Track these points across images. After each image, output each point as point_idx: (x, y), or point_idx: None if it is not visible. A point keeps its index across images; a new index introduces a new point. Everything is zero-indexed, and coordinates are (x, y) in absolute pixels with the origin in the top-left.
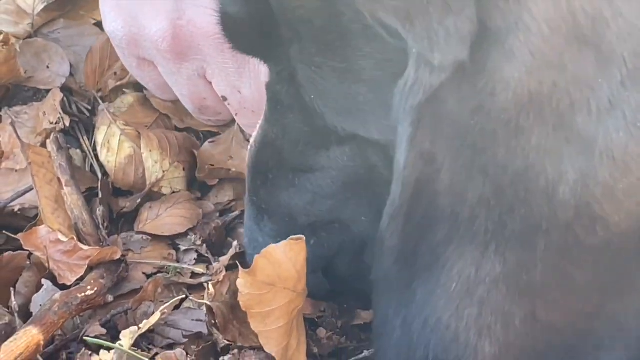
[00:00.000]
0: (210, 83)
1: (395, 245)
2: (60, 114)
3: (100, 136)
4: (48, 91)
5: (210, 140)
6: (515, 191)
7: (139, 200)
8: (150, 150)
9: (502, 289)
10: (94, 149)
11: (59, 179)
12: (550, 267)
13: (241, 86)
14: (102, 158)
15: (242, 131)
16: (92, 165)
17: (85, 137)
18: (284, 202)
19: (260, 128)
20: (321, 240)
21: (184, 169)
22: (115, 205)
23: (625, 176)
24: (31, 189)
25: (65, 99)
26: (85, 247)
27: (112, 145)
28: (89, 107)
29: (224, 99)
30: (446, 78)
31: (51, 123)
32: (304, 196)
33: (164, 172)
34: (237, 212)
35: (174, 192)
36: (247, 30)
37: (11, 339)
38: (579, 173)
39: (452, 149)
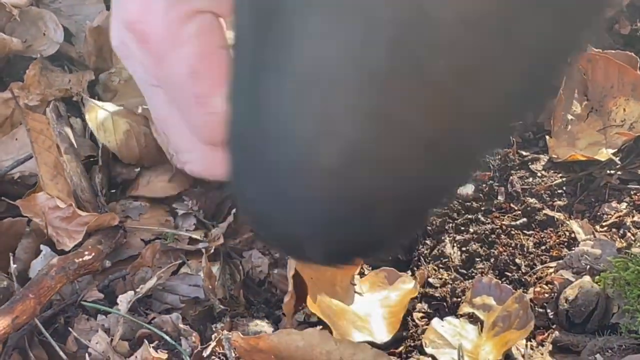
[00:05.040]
0: None
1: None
2: None
3: (92, 122)
4: (45, 58)
5: None
6: None
7: (138, 169)
8: None
9: (347, 72)
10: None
11: (57, 146)
12: (393, 44)
13: None
14: (101, 140)
15: None
16: (92, 134)
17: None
18: None
19: None
20: None
21: None
22: (114, 172)
23: None
24: (31, 157)
25: (66, 67)
26: (84, 214)
27: (107, 126)
28: (92, 78)
29: None
30: None
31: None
32: None
33: None
34: None
35: None
36: None
37: (7, 302)
38: None
39: None
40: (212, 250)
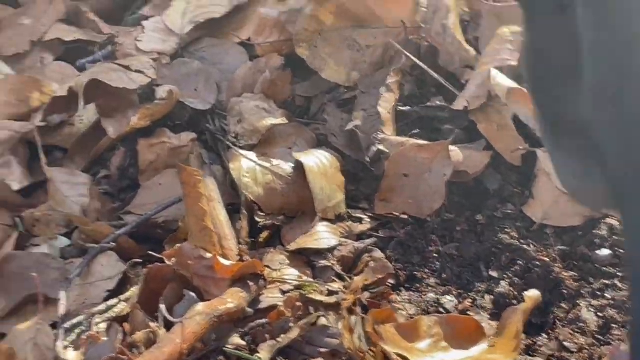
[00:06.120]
0: None
1: None
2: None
3: (235, 172)
4: (195, 111)
5: None
6: None
7: (279, 220)
8: (315, 179)
9: None
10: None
11: (207, 198)
12: None
13: None
14: (244, 190)
15: None
16: (232, 181)
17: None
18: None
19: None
20: None
21: (341, 191)
22: (254, 222)
23: None
24: (174, 203)
25: (208, 115)
26: (228, 262)
27: (251, 175)
28: (235, 126)
29: None
30: None
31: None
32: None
33: (328, 196)
34: (373, 239)
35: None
36: None
37: (155, 345)
38: None
39: None
40: (351, 303)
